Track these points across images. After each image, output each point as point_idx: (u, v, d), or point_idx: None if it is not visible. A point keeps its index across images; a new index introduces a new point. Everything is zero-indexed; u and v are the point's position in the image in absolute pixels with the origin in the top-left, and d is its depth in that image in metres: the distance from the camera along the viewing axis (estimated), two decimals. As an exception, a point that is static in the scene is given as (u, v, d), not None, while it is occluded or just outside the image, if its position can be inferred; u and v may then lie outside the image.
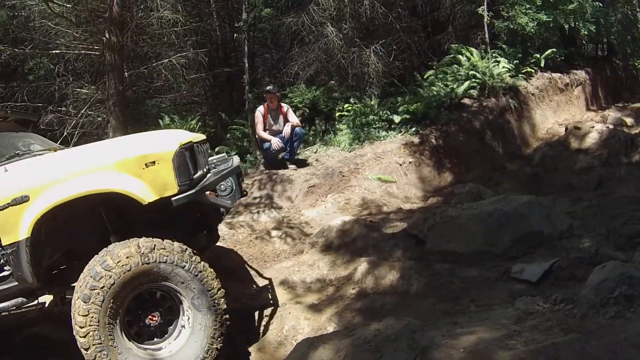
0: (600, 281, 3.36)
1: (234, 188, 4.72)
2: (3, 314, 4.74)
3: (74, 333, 3.80)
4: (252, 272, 6.03)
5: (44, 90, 10.80)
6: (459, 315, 4.18)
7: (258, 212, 7.57)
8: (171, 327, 4.08)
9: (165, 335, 4.07)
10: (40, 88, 10.90)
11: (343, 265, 5.68)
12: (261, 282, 5.77)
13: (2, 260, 3.97)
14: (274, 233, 7.01)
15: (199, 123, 10.34)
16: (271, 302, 5.33)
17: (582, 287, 3.61)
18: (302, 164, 8.85)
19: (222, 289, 4.08)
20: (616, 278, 3.30)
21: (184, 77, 11.01)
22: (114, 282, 3.74)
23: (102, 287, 3.72)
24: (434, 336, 3.46)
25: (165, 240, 3.99)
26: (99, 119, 10.13)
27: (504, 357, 2.93)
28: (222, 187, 4.65)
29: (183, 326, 4.04)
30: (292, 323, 4.85)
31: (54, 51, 10.29)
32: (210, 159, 5.27)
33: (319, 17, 9.98)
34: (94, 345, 3.72)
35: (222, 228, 6.88)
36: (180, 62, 10.25)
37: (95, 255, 3.88)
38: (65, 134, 9.82)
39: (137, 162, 3.92)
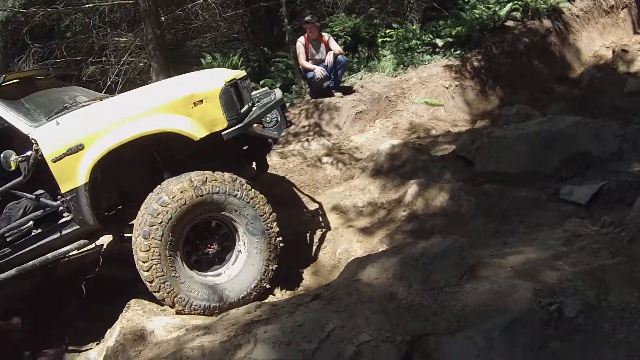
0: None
1: (279, 119, 4.85)
2: (65, 258, 5.04)
3: (137, 268, 3.99)
4: (304, 199, 6.12)
5: (82, 44, 10.90)
6: (508, 235, 4.19)
7: (307, 140, 7.63)
8: (228, 253, 4.24)
9: (224, 262, 4.24)
10: (79, 42, 11.02)
11: (393, 188, 5.73)
12: (313, 208, 5.87)
13: (63, 207, 4.12)
14: (324, 160, 7.06)
15: (241, 59, 10.27)
16: (324, 226, 5.43)
17: (630, 210, 3.54)
18: (348, 91, 8.80)
19: (273, 213, 4.21)
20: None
21: (222, 16, 10.95)
22: (171, 217, 3.89)
23: (160, 223, 3.87)
24: (483, 255, 3.50)
25: (215, 172, 4.10)
26: (140, 64, 10.29)
27: (550, 277, 2.94)
28: (268, 119, 4.76)
29: (239, 251, 4.21)
30: (344, 246, 4.95)
31: (86, 5, 10.28)
32: (253, 93, 5.31)
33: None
34: (157, 277, 3.92)
35: (273, 157, 7.01)
36: (215, 1, 10.22)
37: (150, 193, 4.01)
38: (108, 83, 10.01)
39: (185, 102, 4.02)
